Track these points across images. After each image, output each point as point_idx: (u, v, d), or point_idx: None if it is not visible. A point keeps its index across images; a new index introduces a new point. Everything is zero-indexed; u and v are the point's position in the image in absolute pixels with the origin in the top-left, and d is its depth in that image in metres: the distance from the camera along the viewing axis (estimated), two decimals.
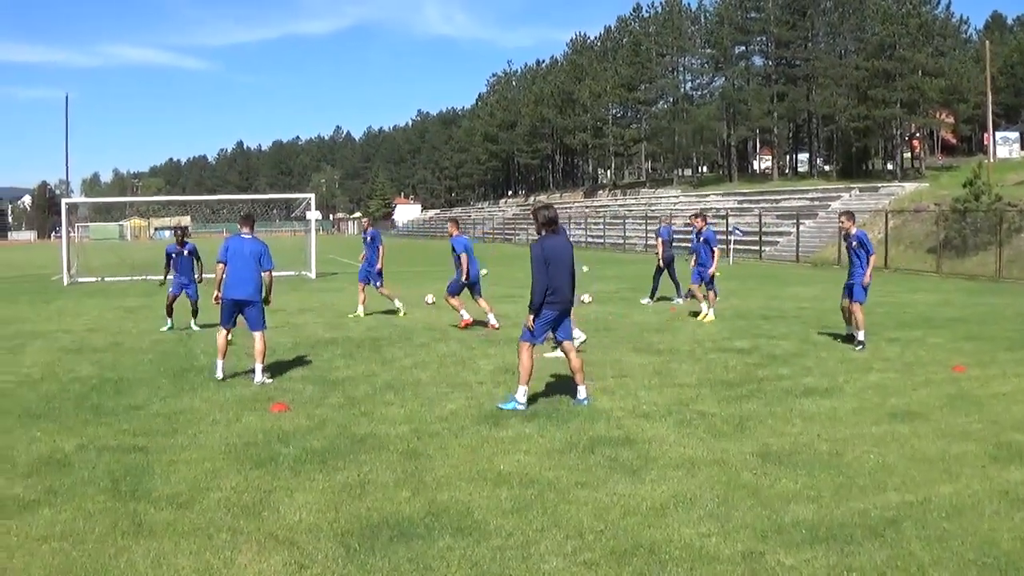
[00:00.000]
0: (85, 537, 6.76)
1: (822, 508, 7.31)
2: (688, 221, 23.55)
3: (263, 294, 13.33)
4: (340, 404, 11.50)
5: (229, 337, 13.51)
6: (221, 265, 13.29)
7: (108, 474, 8.35)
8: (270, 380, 13.04)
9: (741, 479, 8.11)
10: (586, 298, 23.71)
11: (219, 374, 13.21)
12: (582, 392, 11.37)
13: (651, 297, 24.64)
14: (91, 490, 7.89)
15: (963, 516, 7.15)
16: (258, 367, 13.08)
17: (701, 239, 20.50)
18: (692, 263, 20.90)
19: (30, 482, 8.12)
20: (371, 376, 13.50)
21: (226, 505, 7.47)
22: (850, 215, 16.81)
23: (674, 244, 26.08)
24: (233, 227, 14.42)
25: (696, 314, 20.50)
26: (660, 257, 25.63)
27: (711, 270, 20.16)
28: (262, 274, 13.27)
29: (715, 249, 20.39)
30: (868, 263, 15.98)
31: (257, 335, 13.21)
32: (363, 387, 12.63)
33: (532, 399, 11.48)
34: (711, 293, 20.37)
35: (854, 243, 16.08)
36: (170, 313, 19.94)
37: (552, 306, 11.06)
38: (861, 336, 15.83)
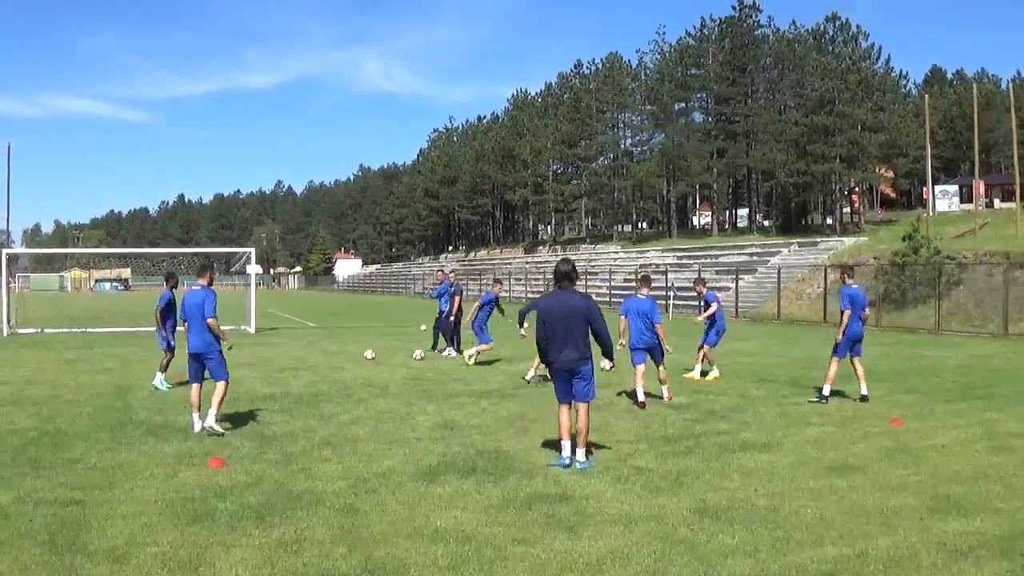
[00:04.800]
0: None
1: (759, 563, 7.35)
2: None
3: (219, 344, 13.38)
4: (277, 460, 11.37)
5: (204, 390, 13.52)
6: (184, 322, 13.57)
7: (45, 527, 8.22)
8: (222, 431, 12.96)
9: (678, 535, 8.12)
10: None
11: (196, 427, 13.12)
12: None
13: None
14: (28, 543, 7.76)
15: (900, 568, 7.23)
16: (212, 412, 13.02)
17: (709, 302, 20.20)
18: (699, 322, 20.70)
19: None
20: (309, 432, 13.38)
21: (162, 560, 7.36)
22: (849, 269, 17.78)
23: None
24: (189, 279, 14.96)
25: (704, 374, 19.95)
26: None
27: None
28: (207, 322, 13.24)
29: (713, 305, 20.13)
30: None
31: (219, 384, 13.27)
32: (301, 443, 12.50)
33: (472, 455, 11.48)
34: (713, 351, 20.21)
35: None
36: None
37: None
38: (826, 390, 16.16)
